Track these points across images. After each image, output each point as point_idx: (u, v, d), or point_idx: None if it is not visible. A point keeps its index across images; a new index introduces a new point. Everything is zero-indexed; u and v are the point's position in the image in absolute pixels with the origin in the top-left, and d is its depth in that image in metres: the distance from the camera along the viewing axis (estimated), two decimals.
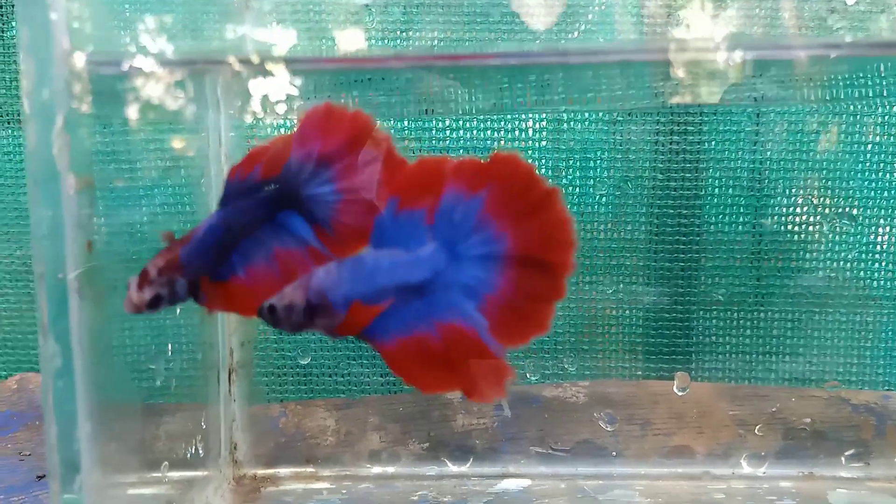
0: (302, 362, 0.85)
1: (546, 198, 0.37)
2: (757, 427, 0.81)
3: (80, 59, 0.48)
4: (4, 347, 0.96)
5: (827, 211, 0.80)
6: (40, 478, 0.81)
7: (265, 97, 0.73)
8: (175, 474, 0.68)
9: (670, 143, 0.79)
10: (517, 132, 0.80)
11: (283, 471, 0.82)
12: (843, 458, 0.80)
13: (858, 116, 0.80)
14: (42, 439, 0.88)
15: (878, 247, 0.81)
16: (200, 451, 0.74)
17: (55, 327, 0.47)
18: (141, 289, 0.48)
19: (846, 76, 0.76)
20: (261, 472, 0.82)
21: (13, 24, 0.92)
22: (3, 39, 0.92)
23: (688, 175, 0.80)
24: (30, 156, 0.45)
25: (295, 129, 0.48)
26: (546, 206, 0.37)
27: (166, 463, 0.64)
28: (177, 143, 0.70)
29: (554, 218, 0.37)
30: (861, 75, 0.77)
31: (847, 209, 0.80)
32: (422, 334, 0.40)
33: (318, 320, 0.44)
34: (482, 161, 0.39)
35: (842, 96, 0.77)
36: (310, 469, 0.82)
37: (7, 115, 0.93)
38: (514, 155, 0.38)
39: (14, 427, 0.89)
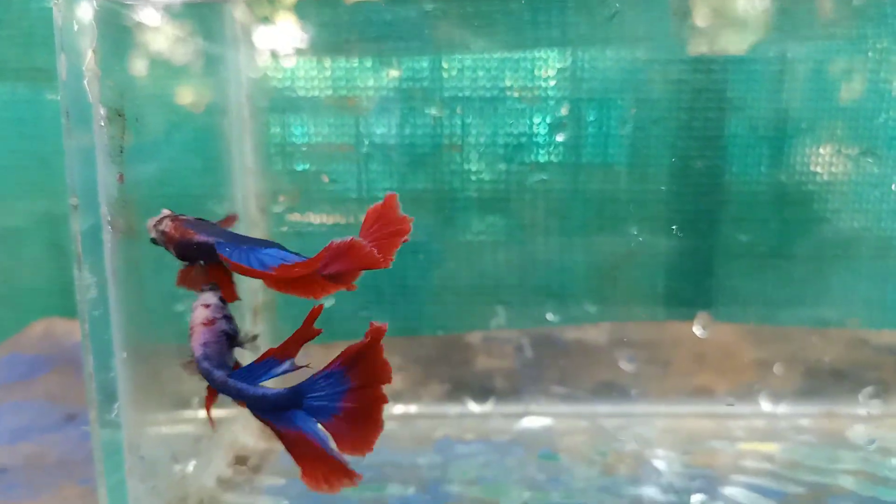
0: (326, 305, 0.86)
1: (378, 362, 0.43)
2: (777, 366, 0.82)
3: None
4: (31, 294, 0.97)
5: (851, 151, 0.80)
6: (70, 418, 0.83)
7: (277, 39, 0.73)
8: (204, 412, 0.70)
9: (694, 83, 0.78)
10: (536, 72, 0.79)
11: None
12: (862, 397, 0.81)
13: (884, 55, 0.79)
14: (70, 382, 0.90)
15: None
16: None
17: (90, 258, 0.48)
18: (154, 225, 0.52)
19: (871, 15, 0.75)
20: None
21: None
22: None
23: (711, 115, 0.79)
24: (62, 87, 0.46)
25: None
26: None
27: (197, 399, 0.65)
28: (193, 83, 0.70)
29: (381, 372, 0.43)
30: (886, 14, 0.75)
31: (871, 149, 0.79)
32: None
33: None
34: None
35: (867, 35, 0.76)
36: None
37: (22, 70, 0.93)
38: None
39: (43, 370, 0.91)
